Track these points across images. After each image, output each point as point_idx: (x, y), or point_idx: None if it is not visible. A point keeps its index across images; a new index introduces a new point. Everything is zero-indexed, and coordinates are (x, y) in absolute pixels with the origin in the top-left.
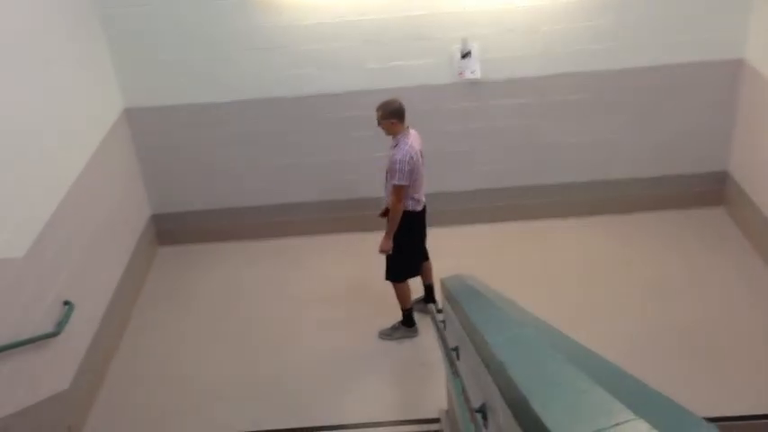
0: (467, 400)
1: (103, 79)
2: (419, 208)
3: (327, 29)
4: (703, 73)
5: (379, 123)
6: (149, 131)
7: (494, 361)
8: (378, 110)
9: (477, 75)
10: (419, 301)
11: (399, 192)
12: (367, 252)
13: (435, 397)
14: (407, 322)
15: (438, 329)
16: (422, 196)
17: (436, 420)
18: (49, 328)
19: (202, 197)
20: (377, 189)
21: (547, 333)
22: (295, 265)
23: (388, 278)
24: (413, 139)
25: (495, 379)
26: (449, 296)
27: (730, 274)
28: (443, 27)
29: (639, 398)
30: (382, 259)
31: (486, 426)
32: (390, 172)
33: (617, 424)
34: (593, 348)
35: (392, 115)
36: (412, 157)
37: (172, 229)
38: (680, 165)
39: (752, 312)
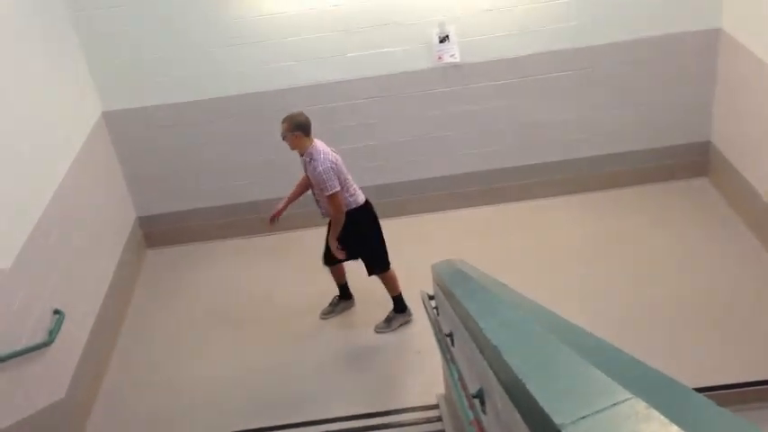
0: (463, 386)
1: (79, 84)
2: (361, 200)
3: (304, 20)
4: (682, 44)
5: (284, 137)
6: (129, 134)
7: (488, 345)
8: (283, 122)
9: (457, 58)
10: (336, 303)
11: (336, 198)
12: None
13: (432, 383)
14: (400, 308)
15: (431, 316)
16: (357, 189)
17: (435, 407)
18: (41, 338)
19: (188, 197)
20: (363, 179)
21: (539, 314)
22: (286, 261)
23: (374, 273)
24: (321, 144)
25: (491, 363)
26: (440, 282)
27: (717, 244)
28: (420, 12)
29: (635, 375)
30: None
31: (483, 411)
32: (319, 185)
33: (614, 404)
34: (586, 326)
35: (297, 128)
36: (333, 162)
37: (159, 231)
38: (663, 137)
39: (740, 281)
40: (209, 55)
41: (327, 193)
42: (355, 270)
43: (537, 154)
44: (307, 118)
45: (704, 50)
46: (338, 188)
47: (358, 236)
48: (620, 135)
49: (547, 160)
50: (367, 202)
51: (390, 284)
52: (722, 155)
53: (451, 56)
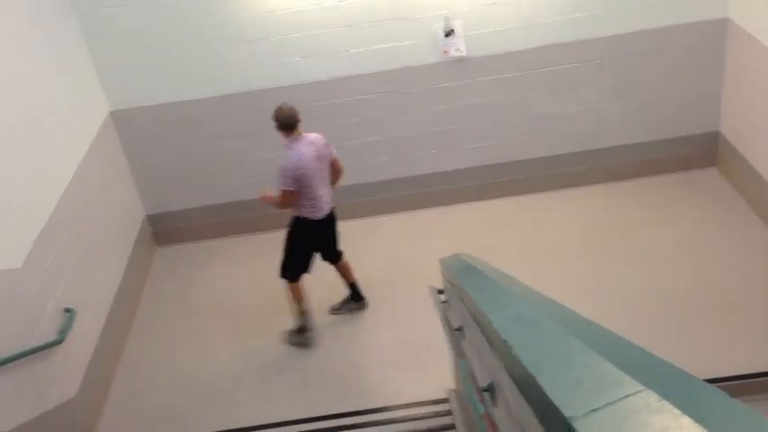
0: (474, 379)
1: (87, 84)
2: (318, 216)
3: (308, 16)
4: (689, 35)
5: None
6: (137, 132)
7: (498, 339)
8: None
9: (463, 52)
10: (347, 301)
11: (283, 195)
12: (365, 238)
13: (442, 377)
14: (300, 329)
15: (440, 311)
16: (321, 203)
17: (444, 401)
18: (53, 337)
19: (196, 194)
20: (370, 174)
21: (549, 308)
22: None
23: (281, 276)
24: (305, 145)
25: (501, 357)
26: (449, 276)
27: (727, 234)
28: (425, 6)
29: (646, 368)
30: (382, 244)
31: (494, 404)
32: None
33: (626, 396)
34: (596, 319)
35: (276, 121)
36: (298, 166)
37: (168, 229)
38: (671, 128)
39: (751, 270)
40: (216, 52)
41: (277, 186)
42: (376, 259)
43: (545, 147)
44: (287, 114)
45: (712, 40)
46: (287, 188)
47: (288, 239)
48: (629, 126)
49: (555, 153)
50: (317, 222)
51: (289, 296)
52: (731, 145)
53: (457, 50)
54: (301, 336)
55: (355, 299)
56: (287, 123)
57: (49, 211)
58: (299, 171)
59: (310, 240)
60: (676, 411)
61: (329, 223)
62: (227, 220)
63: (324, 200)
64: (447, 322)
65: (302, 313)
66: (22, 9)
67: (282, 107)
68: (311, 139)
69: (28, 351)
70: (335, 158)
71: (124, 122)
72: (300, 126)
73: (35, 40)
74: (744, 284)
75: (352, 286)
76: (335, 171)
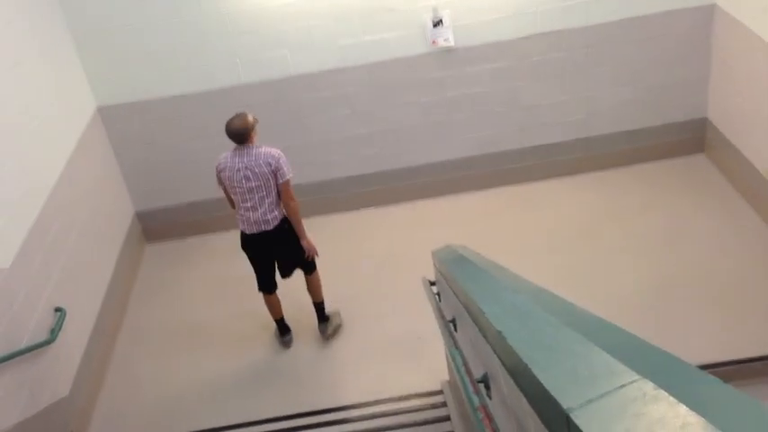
0: (468, 371)
1: (74, 80)
2: (245, 229)
3: (295, 9)
4: (677, 21)
5: None
6: (125, 128)
7: (492, 330)
8: None
9: (451, 42)
10: (325, 321)
11: None
12: (356, 231)
13: (436, 369)
14: (278, 330)
15: (433, 302)
16: (245, 219)
17: (439, 392)
18: (43, 337)
19: (186, 190)
20: (360, 167)
21: (542, 297)
22: None
23: None
24: (235, 154)
25: (495, 348)
26: (441, 268)
27: (716, 219)
28: None
29: (641, 356)
30: (370, 236)
31: (489, 395)
32: None
33: (621, 386)
34: (589, 307)
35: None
36: (216, 166)
37: (158, 226)
38: (660, 115)
39: (739, 255)
40: (203, 47)
41: None
42: (363, 250)
43: (534, 136)
44: (231, 129)
45: (699, 27)
46: (218, 184)
47: None
48: (617, 114)
49: (544, 142)
50: (249, 235)
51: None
52: (719, 131)
53: (445, 40)
54: (278, 338)
55: (321, 319)
56: (229, 136)
57: (38, 210)
58: (217, 170)
59: (247, 251)
60: (672, 400)
61: (263, 242)
62: (217, 216)
63: (250, 217)
64: (440, 314)
65: (277, 322)
66: (5, 1)
67: (233, 121)
68: (254, 152)
69: (19, 351)
70: (284, 185)
71: (112, 118)
72: (254, 140)
73: (19, 34)
74: (734, 269)
75: (317, 306)
76: (284, 202)
